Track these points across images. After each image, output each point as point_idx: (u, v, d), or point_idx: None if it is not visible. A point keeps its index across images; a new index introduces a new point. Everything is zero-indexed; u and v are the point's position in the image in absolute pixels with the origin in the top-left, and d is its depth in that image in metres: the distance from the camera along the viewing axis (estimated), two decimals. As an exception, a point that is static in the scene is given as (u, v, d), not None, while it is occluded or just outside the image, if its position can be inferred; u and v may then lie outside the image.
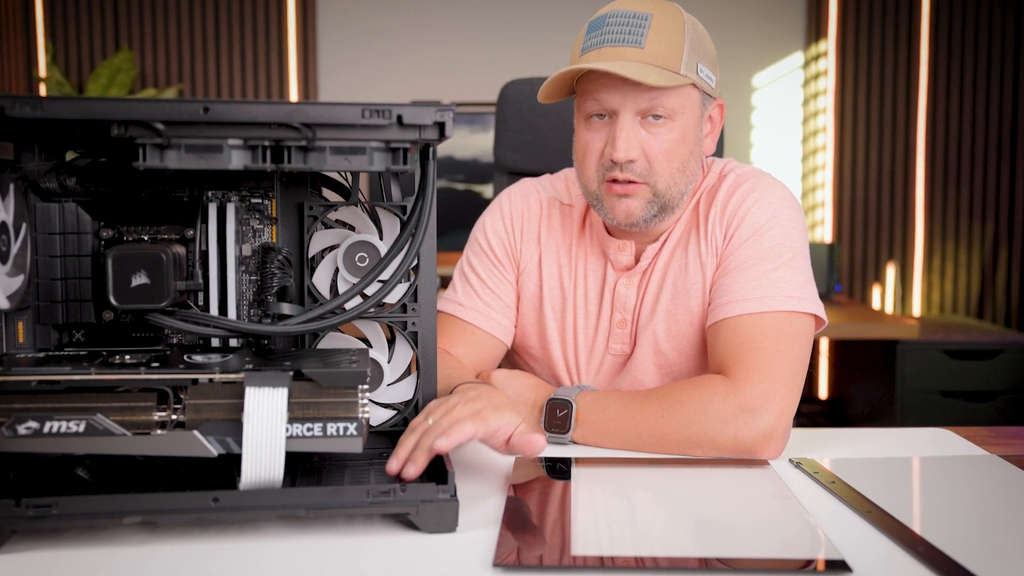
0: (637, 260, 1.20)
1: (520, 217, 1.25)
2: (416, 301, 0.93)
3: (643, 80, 1.03)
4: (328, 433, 0.76)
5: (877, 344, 2.84)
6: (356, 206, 0.92)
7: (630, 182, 1.09)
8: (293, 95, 3.47)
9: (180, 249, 0.86)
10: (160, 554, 0.74)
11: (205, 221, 0.88)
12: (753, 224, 1.12)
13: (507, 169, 1.65)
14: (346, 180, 0.93)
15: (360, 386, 0.78)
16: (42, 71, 3.43)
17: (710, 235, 1.15)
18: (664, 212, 1.13)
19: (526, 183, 1.29)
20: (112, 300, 0.81)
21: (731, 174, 1.18)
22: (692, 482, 0.92)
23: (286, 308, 0.88)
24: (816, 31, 3.46)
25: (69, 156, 0.88)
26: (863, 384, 3.04)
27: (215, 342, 0.89)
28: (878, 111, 3.46)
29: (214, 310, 0.88)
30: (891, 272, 3.50)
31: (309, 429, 0.76)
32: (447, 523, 0.78)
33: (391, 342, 0.95)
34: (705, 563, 0.71)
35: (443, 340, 1.20)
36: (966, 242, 3.47)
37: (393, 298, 0.92)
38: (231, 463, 0.78)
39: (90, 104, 0.73)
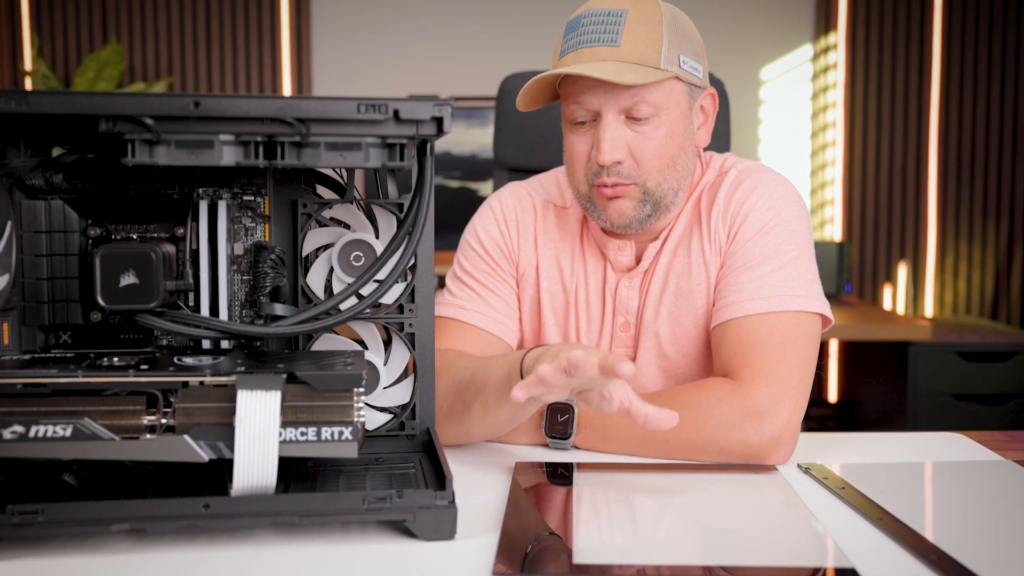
0: (638, 260, 1.18)
1: (515, 219, 1.23)
2: (413, 302, 0.92)
3: (618, 80, 1.01)
4: (322, 438, 0.75)
5: (888, 346, 2.81)
6: (351, 204, 0.91)
7: (618, 184, 1.08)
8: (287, 89, 3.46)
9: (170, 248, 0.86)
10: (149, 562, 0.73)
11: (196, 219, 0.87)
12: (757, 222, 1.10)
13: (507, 165, 1.64)
14: (341, 177, 0.92)
15: (355, 389, 0.77)
16: (28, 64, 3.42)
17: (713, 233, 1.13)
18: (658, 210, 1.11)
19: (516, 186, 1.27)
20: (100, 300, 0.80)
21: (732, 170, 1.16)
22: (697, 488, 0.91)
23: (279, 309, 0.88)
24: (825, 23, 3.43)
25: (56, 152, 0.88)
26: (874, 387, 3.02)
27: (206, 344, 0.88)
28: (889, 105, 3.43)
29: (205, 311, 0.87)
30: (903, 272, 3.47)
31: (303, 433, 0.75)
32: (445, 530, 0.77)
33: (387, 344, 0.94)
34: (710, 572, 0.70)
35: (448, 345, 1.17)
36: (980, 241, 3.43)
37: (389, 298, 0.91)
38: (222, 468, 0.76)
39: (77, 99, 0.72)
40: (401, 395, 0.93)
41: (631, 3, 1.06)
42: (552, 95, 1.13)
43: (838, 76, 3.44)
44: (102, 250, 0.80)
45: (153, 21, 3.43)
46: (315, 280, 0.91)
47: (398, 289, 0.91)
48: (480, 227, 1.23)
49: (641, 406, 0.85)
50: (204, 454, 0.74)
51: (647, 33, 1.05)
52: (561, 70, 1.04)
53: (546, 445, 1.06)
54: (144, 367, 0.76)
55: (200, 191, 0.89)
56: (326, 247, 0.91)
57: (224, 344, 0.88)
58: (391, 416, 0.93)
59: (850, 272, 3.47)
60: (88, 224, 0.87)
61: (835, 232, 3.49)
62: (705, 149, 1.23)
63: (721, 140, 1.56)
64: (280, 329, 0.83)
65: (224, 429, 0.74)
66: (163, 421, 0.76)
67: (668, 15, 1.07)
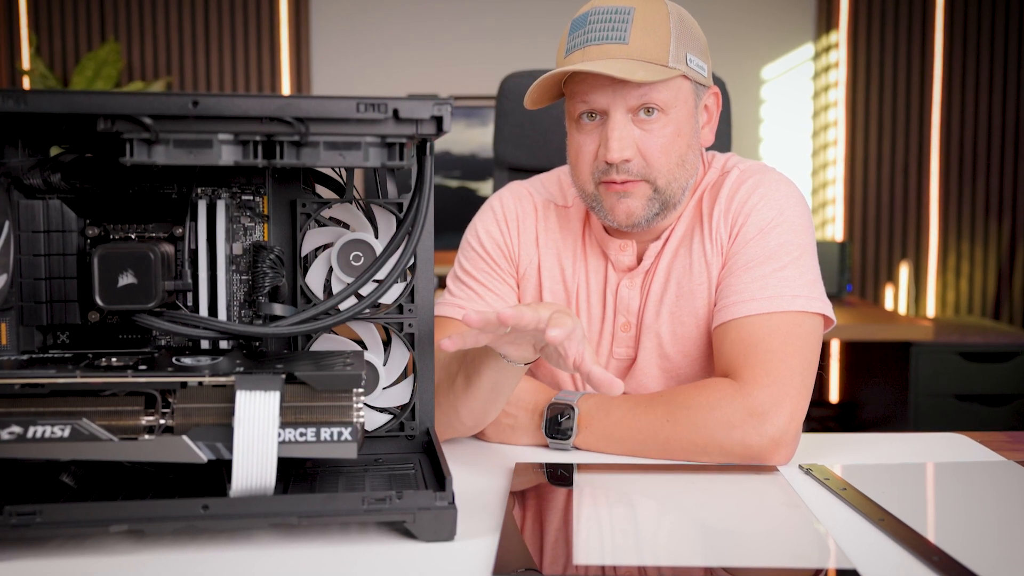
0: (639, 260, 1.17)
1: (515, 219, 1.22)
2: (413, 302, 0.91)
3: (630, 77, 1.01)
4: (322, 438, 0.75)
5: (890, 346, 2.80)
6: (350, 203, 0.91)
7: (628, 181, 1.07)
8: (286, 88, 3.45)
9: (168, 248, 0.85)
10: (148, 563, 0.72)
11: (194, 219, 0.87)
12: (759, 221, 1.10)
13: (507, 165, 1.63)
14: (340, 176, 0.92)
15: (355, 389, 0.77)
16: (25, 63, 3.41)
17: (715, 233, 1.13)
18: (666, 210, 1.11)
19: (516, 186, 1.26)
20: (98, 300, 0.79)
21: (734, 169, 1.16)
22: (698, 489, 0.91)
23: (278, 309, 0.87)
24: (827, 22, 3.42)
25: (54, 151, 0.87)
26: (875, 387, 3.01)
27: (205, 344, 0.87)
28: (891, 105, 3.43)
29: (204, 311, 0.87)
30: (904, 271, 3.46)
31: (302, 434, 0.75)
32: (445, 531, 0.76)
33: (387, 344, 0.94)
34: (711, 573, 0.69)
35: None
36: (982, 240, 3.43)
37: (389, 298, 0.91)
38: (221, 469, 0.76)
39: (75, 98, 0.72)
40: (401, 395, 0.93)
41: (638, 1, 1.06)
42: (558, 92, 1.13)
43: (839, 75, 3.43)
44: (100, 250, 0.79)
45: (151, 20, 3.42)
46: (314, 280, 0.91)
47: (397, 289, 0.91)
48: (480, 227, 1.23)
49: (590, 365, 0.86)
50: (203, 455, 0.74)
51: (655, 31, 1.04)
52: (572, 67, 1.03)
53: (546, 446, 1.06)
54: (142, 367, 0.76)
55: (199, 191, 0.88)
56: (325, 247, 0.91)
57: (223, 344, 0.87)
58: (391, 416, 0.93)
59: (851, 272, 3.46)
60: (86, 224, 0.87)
61: (836, 232, 3.49)
62: (707, 149, 1.22)
63: (722, 139, 1.56)
64: (279, 329, 0.83)
65: (223, 430, 0.74)
66: (162, 422, 0.75)
67: (674, 13, 1.07)
